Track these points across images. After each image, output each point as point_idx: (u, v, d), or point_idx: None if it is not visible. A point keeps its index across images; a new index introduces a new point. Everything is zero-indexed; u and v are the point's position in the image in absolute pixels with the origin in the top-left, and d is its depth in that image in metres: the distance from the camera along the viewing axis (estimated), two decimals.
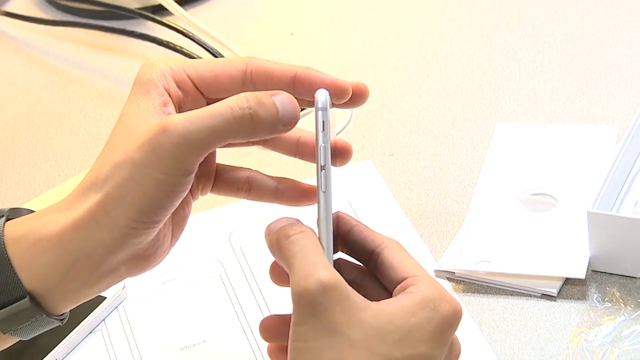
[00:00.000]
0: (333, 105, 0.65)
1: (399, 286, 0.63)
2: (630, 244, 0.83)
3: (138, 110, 0.62)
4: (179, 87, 0.64)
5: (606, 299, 0.83)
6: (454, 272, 0.87)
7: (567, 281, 0.86)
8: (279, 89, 0.64)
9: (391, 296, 0.63)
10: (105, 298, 0.87)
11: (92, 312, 0.86)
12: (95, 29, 1.21)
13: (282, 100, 0.62)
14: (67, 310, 0.67)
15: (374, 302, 0.61)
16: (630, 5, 1.17)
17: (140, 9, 1.20)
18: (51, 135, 1.10)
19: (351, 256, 0.67)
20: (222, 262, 0.92)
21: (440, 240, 0.91)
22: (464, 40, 1.16)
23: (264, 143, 0.69)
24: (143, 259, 0.65)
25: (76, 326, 0.85)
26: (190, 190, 0.66)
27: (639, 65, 1.09)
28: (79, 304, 0.67)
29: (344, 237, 0.66)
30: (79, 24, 1.23)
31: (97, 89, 1.16)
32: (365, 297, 0.63)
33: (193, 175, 0.62)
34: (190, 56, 1.10)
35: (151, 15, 1.17)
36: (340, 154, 0.67)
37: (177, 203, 0.63)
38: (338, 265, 0.66)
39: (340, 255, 0.67)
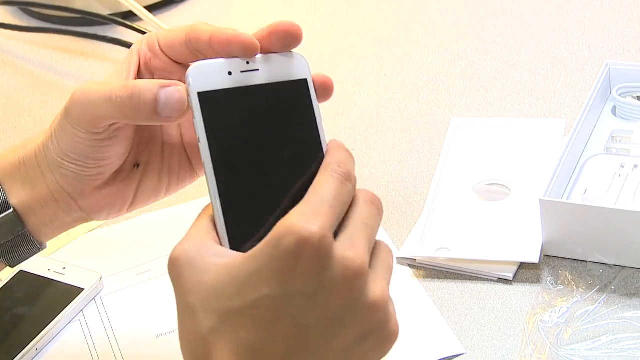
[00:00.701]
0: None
1: None
2: (581, 230, 0.83)
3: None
4: (149, 49, 0.67)
5: (559, 282, 0.82)
6: (415, 259, 0.86)
7: (522, 266, 0.85)
8: (204, 50, 0.64)
9: None
10: (83, 289, 0.85)
11: (70, 303, 0.84)
12: (68, 35, 1.19)
13: (169, 93, 0.63)
14: (47, 239, 0.71)
15: (227, 259, 0.56)
16: (573, 7, 1.17)
17: (111, 15, 1.18)
18: (27, 136, 1.07)
19: None
20: None
21: (401, 229, 0.90)
22: (418, 40, 1.15)
23: None
24: (92, 205, 0.69)
25: (55, 317, 0.83)
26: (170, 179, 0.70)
27: (583, 62, 1.08)
28: (56, 232, 0.71)
29: None
30: (52, 30, 1.21)
31: (71, 92, 1.13)
32: None
33: (101, 135, 0.65)
34: None
35: (122, 21, 1.15)
36: (320, 89, 0.63)
37: (99, 156, 0.66)
38: None
39: None
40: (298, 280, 0.54)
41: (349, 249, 0.55)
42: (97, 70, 1.16)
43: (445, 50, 1.13)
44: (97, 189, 0.68)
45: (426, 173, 0.96)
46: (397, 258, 0.86)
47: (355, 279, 0.55)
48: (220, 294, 0.55)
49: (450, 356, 0.78)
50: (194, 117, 0.59)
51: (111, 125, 0.65)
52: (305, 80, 0.62)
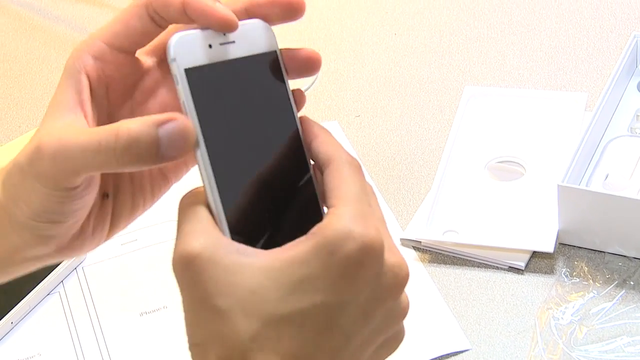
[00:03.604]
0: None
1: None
2: (600, 219, 0.78)
3: (47, 111, 0.58)
4: (97, 58, 0.58)
5: (574, 274, 0.78)
6: (421, 242, 0.82)
7: (535, 254, 0.80)
8: (177, 18, 0.56)
9: None
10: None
11: (50, 273, 0.80)
12: None
13: (170, 130, 0.53)
14: None
15: (260, 259, 0.52)
16: None
17: None
18: (12, 84, 1.03)
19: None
20: None
21: (407, 207, 0.86)
22: None
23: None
24: (69, 250, 0.59)
25: (33, 287, 0.79)
26: (144, 195, 0.62)
27: (608, 30, 1.03)
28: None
29: (309, 147, 0.57)
30: None
31: (60, 37, 1.08)
32: None
33: (79, 188, 0.56)
34: None
35: None
36: (306, 64, 0.58)
37: (76, 208, 0.57)
38: None
39: None
40: (357, 289, 0.51)
41: (392, 254, 0.52)
42: (88, 14, 1.11)
43: (460, 9, 1.07)
44: (73, 234, 0.61)
45: (436, 145, 0.91)
46: (401, 239, 0.82)
47: (402, 286, 0.53)
48: (261, 299, 0.51)
49: (455, 352, 0.74)
50: (180, 98, 0.54)
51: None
52: (275, 52, 0.58)
